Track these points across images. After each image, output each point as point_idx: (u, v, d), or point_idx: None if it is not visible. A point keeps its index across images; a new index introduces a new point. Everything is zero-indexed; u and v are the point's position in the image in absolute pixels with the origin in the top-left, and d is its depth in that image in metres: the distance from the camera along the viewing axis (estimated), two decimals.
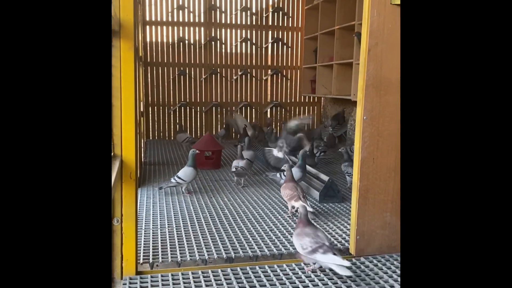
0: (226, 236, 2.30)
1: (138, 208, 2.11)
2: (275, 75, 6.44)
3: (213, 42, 6.16)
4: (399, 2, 1.94)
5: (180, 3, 6.00)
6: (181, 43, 6.08)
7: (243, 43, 6.28)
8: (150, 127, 6.17)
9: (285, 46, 6.40)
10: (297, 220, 2.10)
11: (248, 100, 6.42)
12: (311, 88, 6.26)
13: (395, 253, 2.11)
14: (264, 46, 6.33)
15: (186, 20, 6.08)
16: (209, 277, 1.83)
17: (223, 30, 6.20)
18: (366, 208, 2.07)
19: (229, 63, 6.27)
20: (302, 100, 6.60)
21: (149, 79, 6.06)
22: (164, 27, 6.04)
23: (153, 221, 2.54)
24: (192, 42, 6.11)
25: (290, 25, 6.37)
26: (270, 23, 6.31)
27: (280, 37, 6.35)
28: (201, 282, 1.78)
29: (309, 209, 2.59)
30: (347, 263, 1.73)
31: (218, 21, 6.15)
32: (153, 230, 2.38)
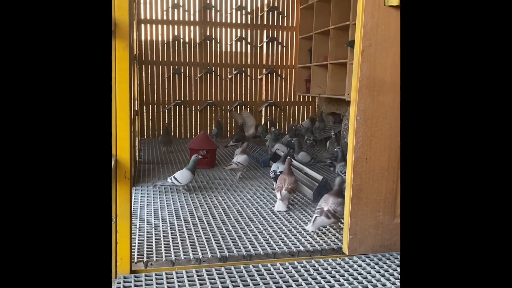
0: (220, 235, 2.31)
1: (132, 207, 2.11)
2: (270, 74, 6.46)
3: (208, 41, 6.16)
4: (393, 4, 1.96)
5: (176, 1, 5.99)
6: (176, 42, 6.07)
7: (238, 42, 6.28)
8: (145, 126, 6.16)
9: (280, 46, 6.41)
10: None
11: (243, 99, 6.43)
12: (305, 88, 6.28)
13: (387, 252, 2.13)
14: (259, 45, 6.34)
15: (181, 19, 6.07)
16: (203, 276, 1.84)
17: (218, 29, 6.21)
18: (359, 208, 2.09)
19: (224, 62, 6.28)
20: (297, 99, 6.62)
21: (143, 78, 6.05)
22: (159, 26, 6.03)
23: (147, 220, 2.54)
24: (187, 41, 6.11)
25: (285, 25, 6.38)
26: (265, 23, 6.32)
27: (275, 36, 6.37)
28: (195, 281, 1.79)
29: (278, 207, 2.73)
30: None
31: (213, 20, 6.15)
32: (147, 229, 2.38)
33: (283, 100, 6.59)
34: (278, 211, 2.75)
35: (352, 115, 2.05)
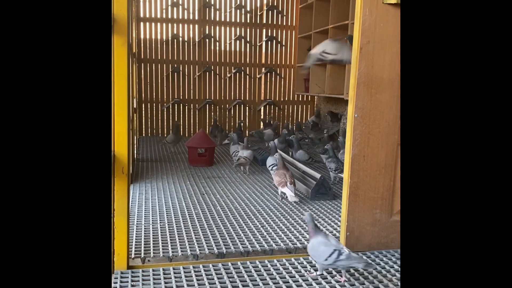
0: (217, 231, 2.32)
1: (130, 203, 2.11)
2: (269, 73, 6.46)
3: (207, 40, 6.16)
4: (391, 2, 1.96)
5: (175, 0, 5.99)
6: (175, 40, 6.07)
7: (237, 41, 6.28)
8: (143, 124, 6.16)
9: (279, 45, 6.41)
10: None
11: (242, 98, 6.43)
12: (304, 87, 6.28)
13: (384, 250, 2.14)
14: (258, 44, 6.34)
15: (181, 17, 6.07)
16: (200, 272, 1.84)
17: (217, 27, 6.20)
18: (356, 205, 2.10)
19: (223, 60, 6.28)
20: (296, 99, 6.63)
21: (142, 76, 6.05)
22: (158, 24, 6.03)
23: (145, 216, 2.55)
24: (186, 39, 6.11)
25: (284, 24, 6.38)
26: (264, 21, 6.32)
27: (274, 35, 6.37)
28: (192, 277, 1.79)
29: (292, 198, 2.82)
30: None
31: (212, 19, 6.15)
32: (145, 225, 2.39)
33: (282, 99, 6.59)
34: (294, 202, 2.86)
35: (350, 113, 2.05)
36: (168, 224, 2.42)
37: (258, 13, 6.28)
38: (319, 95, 5.79)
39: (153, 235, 2.24)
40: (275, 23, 6.35)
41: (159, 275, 1.81)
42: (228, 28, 6.24)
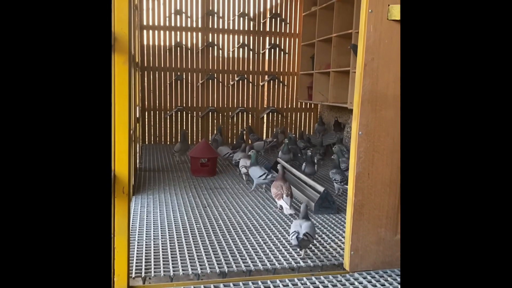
0: (219, 248, 2.28)
1: (131, 221, 2.09)
2: (272, 81, 6.44)
3: (210, 47, 6.15)
4: (396, 18, 1.93)
5: (178, 8, 5.99)
6: (179, 48, 6.06)
7: (240, 49, 6.27)
8: (146, 131, 6.15)
9: (282, 52, 6.39)
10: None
11: (245, 106, 6.41)
12: (307, 95, 6.26)
13: (389, 269, 2.10)
14: (261, 51, 6.33)
15: (184, 25, 6.06)
16: None
17: (220, 35, 6.20)
18: (360, 224, 2.06)
19: (226, 68, 6.26)
20: (299, 106, 6.60)
21: (146, 84, 6.04)
22: (162, 32, 6.02)
23: (146, 231, 2.52)
24: (189, 47, 6.10)
25: (287, 31, 6.36)
26: (267, 29, 6.31)
27: (278, 43, 6.35)
28: None
29: (287, 210, 2.82)
30: None
31: (215, 27, 6.14)
32: (146, 242, 2.36)
33: (285, 107, 6.57)
34: (289, 214, 2.86)
35: (354, 130, 2.02)
36: (169, 240, 2.39)
37: (262, 21, 6.26)
38: (322, 103, 5.76)
39: (154, 253, 2.21)
40: (278, 30, 6.34)
41: None
42: (231, 35, 6.23)
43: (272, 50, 6.36)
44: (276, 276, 2.01)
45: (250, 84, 6.36)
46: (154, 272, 1.99)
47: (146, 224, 2.65)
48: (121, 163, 1.74)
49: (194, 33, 6.12)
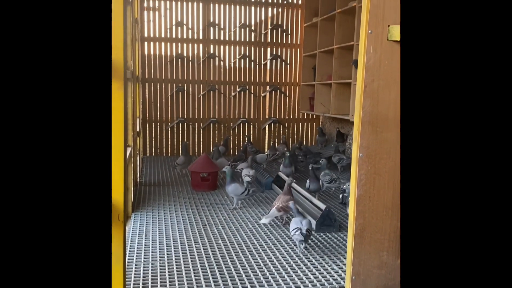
0: (218, 271, 2.24)
1: (128, 245, 2.05)
2: (273, 92, 6.42)
3: (211, 59, 6.14)
4: (396, 39, 1.90)
5: (179, 19, 5.99)
6: (180, 60, 6.06)
7: (242, 60, 6.26)
8: (148, 143, 6.13)
9: (284, 63, 6.38)
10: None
11: (246, 117, 6.38)
12: (309, 105, 6.23)
13: None
14: (263, 62, 6.31)
15: (185, 37, 6.06)
16: None
17: (221, 46, 6.19)
18: (362, 247, 2.01)
19: (227, 79, 6.25)
20: (301, 117, 6.57)
21: (146, 95, 6.03)
22: (163, 44, 6.03)
23: (144, 253, 2.48)
24: (190, 58, 6.09)
25: (289, 42, 6.35)
26: (269, 40, 6.30)
27: (279, 53, 6.34)
28: None
29: (263, 219, 3.00)
30: None
31: (216, 38, 6.14)
32: (144, 264, 2.32)
33: (287, 118, 6.54)
34: (263, 223, 3.02)
35: (355, 152, 1.98)
36: (167, 262, 2.35)
37: (263, 32, 6.26)
38: (324, 114, 5.73)
39: (151, 276, 2.17)
40: (279, 41, 6.32)
41: None
42: (232, 47, 6.23)
43: (274, 60, 6.35)
44: None
45: (252, 95, 6.34)
46: None
47: (145, 245, 2.61)
48: (116, 191, 1.71)
49: (195, 45, 6.12)
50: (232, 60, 6.24)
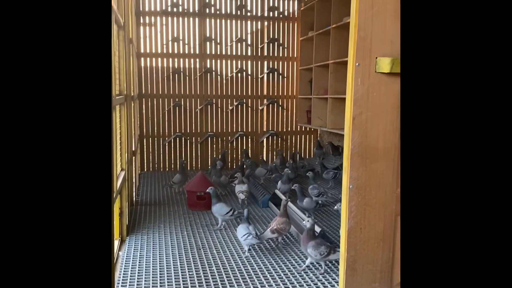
0: None
1: (116, 277, 2.03)
2: (271, 105, 6.42)
3: (208, 73, 6.15)
4: (384, 71, 1.90)
5: (175, 35, 6.01)
6: (176, 75, 6.07)
7: (239, 74, 6.27)
8: (145, 159, 6.13)
9: (280, 76, 6.38)
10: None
11: (244, 130, 6.38)
12: (307, 118, 6.23)
13: None
14: (259, 76, 6.32)
15: (181, 52, 6.08)
16: None
17: (218, 61, 6.20)
18: (354, 280, 2.00)
19: (224, 93, 6.26)
20: (299, 129, 6.57)
21: (143, 111, 6.04)
22: (159, 59, 6.04)
23: (137, 282, 2.46)
24: (187, 73, 6.11)
25: (285, 56, 6.36)
26: (265, 54, 6.31)
27: (276, 67, 6.34)
28: None
29: (254, 241, 2.94)
30: None
31: (213, 53, 6.15)
32: None
33: (284, 130, 6.53)
34: (251, 244, 2.95)
35: (345, 184, 1.97)
36: None
37: (259, 46, 6.27)
38: (321, 128, 5.72)
39: None
40: (276, 55, 6.33)
41: None
42: (229, 61, 6.24)
43: (271, 74, 6.36)
44: None
45: (249, 108, 6.35)
46: None
47: (138, 272, 2.59)
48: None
49: (192, 60, 6.13)
50: (229, 74, 6.25)
